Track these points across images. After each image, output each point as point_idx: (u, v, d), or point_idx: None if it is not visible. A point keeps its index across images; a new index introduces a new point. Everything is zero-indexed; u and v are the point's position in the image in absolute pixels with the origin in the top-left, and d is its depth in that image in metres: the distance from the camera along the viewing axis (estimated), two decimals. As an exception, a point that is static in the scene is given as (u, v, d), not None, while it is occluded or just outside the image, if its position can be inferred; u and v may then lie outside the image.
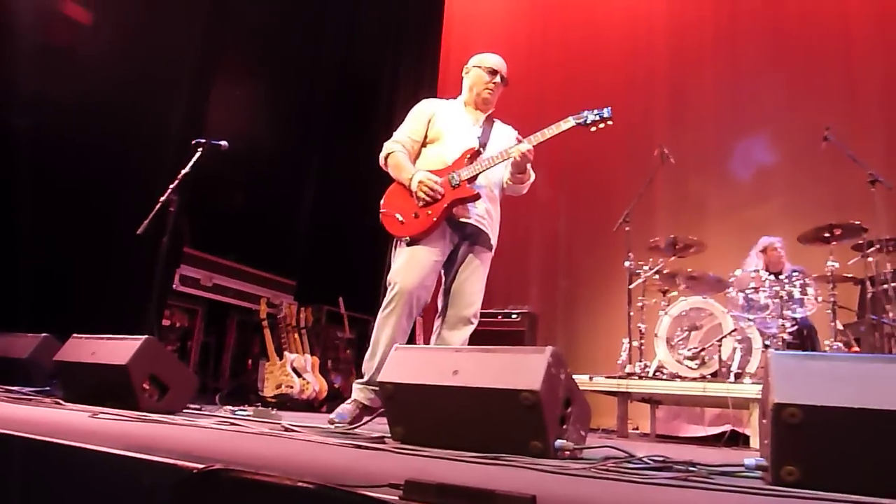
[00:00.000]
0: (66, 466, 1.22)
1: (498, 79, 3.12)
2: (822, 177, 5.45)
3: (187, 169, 3.72)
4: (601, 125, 2.93)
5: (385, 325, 2.82)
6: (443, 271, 3.02)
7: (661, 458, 1.70)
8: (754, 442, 3.78)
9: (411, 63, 7.45)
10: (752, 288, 4.41)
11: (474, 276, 2.97)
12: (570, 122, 2.90)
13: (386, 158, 3.06)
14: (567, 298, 6.51)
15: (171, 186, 3.65)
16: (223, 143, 3.87)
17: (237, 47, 6.10)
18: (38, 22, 4.85)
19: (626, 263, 4.79)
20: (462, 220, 2.94)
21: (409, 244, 2.90)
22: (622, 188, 5.92)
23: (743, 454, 1.75)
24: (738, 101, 6.14)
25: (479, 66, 3.15)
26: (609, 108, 2.90)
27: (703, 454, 2.63)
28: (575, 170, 6.60)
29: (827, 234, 4.48)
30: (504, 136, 3.13)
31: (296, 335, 5.56)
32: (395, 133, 3.13)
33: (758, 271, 4.49)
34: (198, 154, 3.77)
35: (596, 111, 2.91)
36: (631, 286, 4.76)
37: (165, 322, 5.35)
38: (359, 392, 2.84)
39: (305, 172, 6.99)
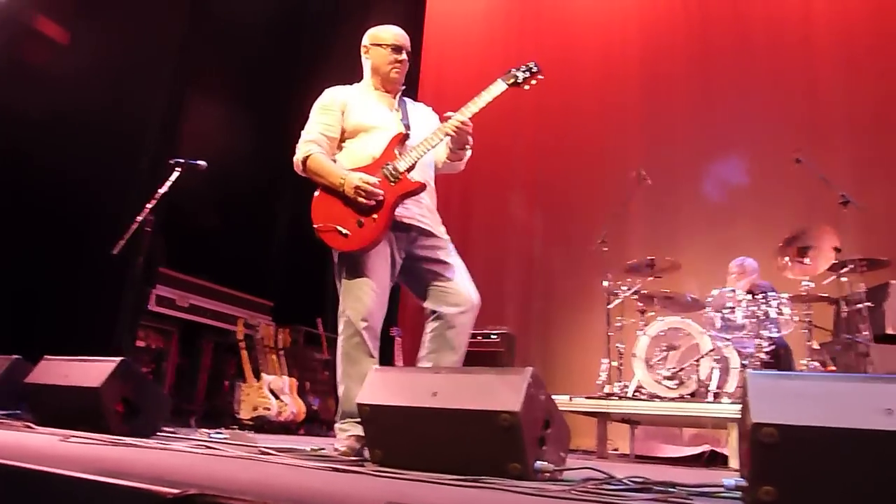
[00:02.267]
0: (36, 492, 1.19)
1: (403, 55, 2.83)
2: (793, 197, 5.54)
3: (165, 189, 3.68)
4: (533, 81, 2.67)
5: (351, 361, 2.56)
6: (408, 282, 2.73)
7: (641, 480, 1.70)
8: (733, 462, 3.78)
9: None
10: (729, 308, 4.45)
11: (449, 269, 2.68)
12: (500, 85, 2.63)
13: (304, 162, 2.69)
14: (544, 319, 6.52)
15: (149, 206, 3.61)
16: (201, 163, 3.83)
17: (214, 64, 6.07)
18: (14, 39, 4.82)
19: (605, 283, 4.82)
20: (404, 220, 2.64)
21: (353, 260, 2.59)
22: (598, 209, 5.94)
23: (722, 474, 1.75)
24: (710, 124, 6.23)
25: (380, 45, 2.85)
26: (534, 61, 2.67)
27: (682, 475, 2.63)
28: (551, 190, 6.66)
29: (800, 255, 4.55)
30: (423, 114, 2.85)
31: (273, 356, 5.50)
32: (304, 132, 2.77)
33: (734, 291, 4.54)
34: (175, 174, 3.74)
35: (523, 66, 2.66)
36: (610, 306, 4.79)
37: (140, 343, 5.26)
38: (349, 428, 2.55)
39: (281, 191, 6.95)
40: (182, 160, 3.77)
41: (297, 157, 2.72)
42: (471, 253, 6.63)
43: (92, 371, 2.57)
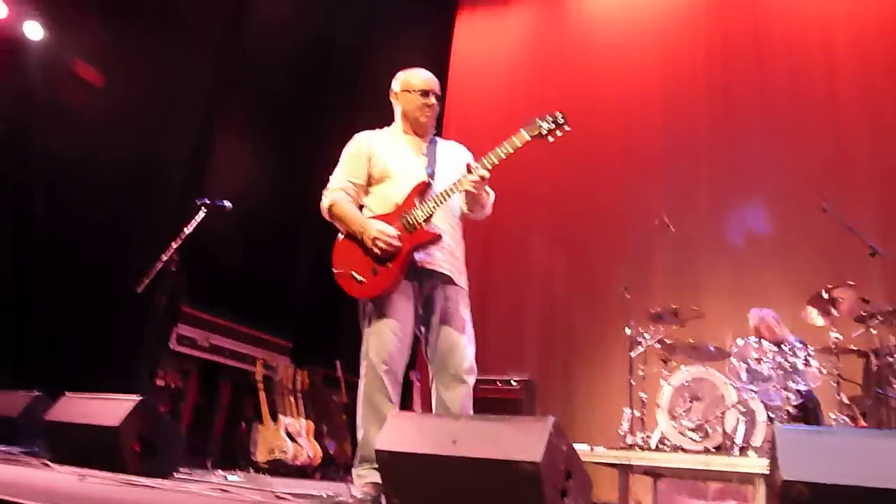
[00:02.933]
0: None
1: (433, 99, 2.88)
2: (819, 246, 5.48)
3: (191, 228, 3.72)
4: (558, 132, 2.64)
5: (371, 405, 2.58)
6: (421, 329, 2.75)
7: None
8: (760, 519, 3.68)
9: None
10: (755, 358, 4.38)
11: (456, 328, 2.69)
12: (523, 137, 2.63)
13: (329, 209, 2.79)
14: (565, 365, 6.42)
15: (174, 245, 3.65)
16: (227, 203, 3.86)
17: (242, 105, 6.18)
18: (51, 80, 4.97)
19: (627, 331, 4.77)
20: (426, 266, 2.69)
21: (374, 305, 2.64)
22: (621, 256, 5.94)
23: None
24: (734, 171, 6.19)
25: (409, 90, 2.91)
26: (561, 112, 2.64)
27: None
28: (573, 237, 6.63)
29: (828, 305, 4.47)
30: (452, 157, 2.88)
31: (291, 398, 5.48)
32: (332, 178, 2.85)
33: (760, 342, 4.46)
34: (201, 213, 3.78)
35: (548, 117, 2.64)
36: (632, 354, 4.73)
37: (159, 382, 5.27)
38: (366, 474, 2.54)
39: (305, 232, 6.94)
40: (208, 201, 3.81)
41: (324, 204, 2.80)
42: (492, 297, 6.69)
43: (111, 409, 2.58)
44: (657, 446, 4.33)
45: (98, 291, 4.68)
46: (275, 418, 5.31)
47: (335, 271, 2.68)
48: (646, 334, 4.80)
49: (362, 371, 2.62)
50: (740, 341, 4.55)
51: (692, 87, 6.68)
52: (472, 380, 2.69)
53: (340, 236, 2.75)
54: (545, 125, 2.64)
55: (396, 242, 2.62)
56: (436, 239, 2.68)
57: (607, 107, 6.86)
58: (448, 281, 2.73)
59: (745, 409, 4.28)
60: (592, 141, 6.65)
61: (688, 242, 5.95)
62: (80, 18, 5.03)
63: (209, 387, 5.79)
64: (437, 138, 2.96)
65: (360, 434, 2.60)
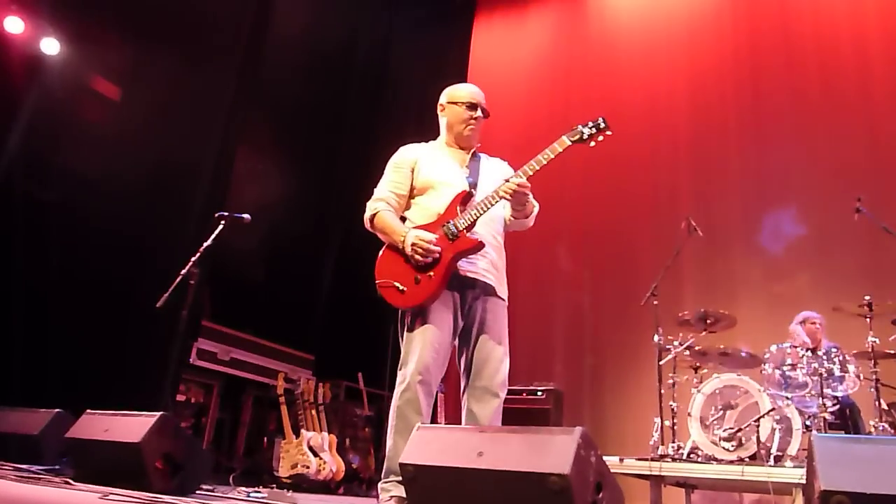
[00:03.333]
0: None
1: (479, 112, 2.96)
2: (854, 249, 5.41)
3: (209, 242, 3.76)
4: (600, 137, 2.70)
5: (401, 417, 2.59)
6: (458, 339, 2.80)
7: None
8: (798, 531, 3.61)
9: (433, 138, 7.62)
10: (789, 364, 4.31)
11: (494, 340, 2.75)
12: (565, 143, 2.70)
13: (371, 220, 2.86)
14: (594, 375, 6.39)
15: (193, 259, 3.68)
16: (245, 216, 3.90)
17: (263, 118, 6.26)
18: (69, 96, 5.04)
19: (656, 338, 4.72)
20: (468, 275, 2.74)
21: (414, 315, 2.68)
22: (648, 261, 5.89)
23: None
24: (764, 172, 6.15)
25: (455, 102, 2.99)
26: (603, 117, 2.70)
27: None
28: (599, 242, 6.61)
29: (865, 308, 4.39)
30: (495, 171, 2.96)
31: (313, 412, 5.48)
32: (376, 189, 2.93)
33: (795, 347, 4.40)
34: (220, 227, 3.82)
35: (590, 123, 2.71)
36: (661, 362, 4.67)
37: (180, 397, 5.32)
38: (391, 488, 2.56)
39: (326, 244, 7.07)
40: (226, 213, 3.85)
41: (366, 215, 2.87)
42: (518, 306, 6.52)
43: (133, 426, 2.60)
44: (689, 457, 4.27)
45: (119, 308, 4.74)
46: (297, 432, 5.32)
47: (378, 282, 2.73)
48: (675, 341, 4.75)
49: (398, 381, 2.64)
50: (774, 347, 4.47)
51: (720, 87, 6.63)
52: (503, 394, 2.72)
53: (383, 249, 2.81)
54: (587, 130, 2.70)
55: (435, 248, 2.66)
56: (478, 246, 2.72)
57: (632, 109, 6.83)
58: (490, 292, 2.78)
59: (780, 417, 4.22)
60: (618, 145, 6.45)
61: (717, 246, 5.90)
62: (98, 33, 5.12)
63: (231, 401, 5.83)
64: (481, 154, 3.02)
65: (388, 445, 2.62)
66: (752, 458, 4.08)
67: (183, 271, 3.64)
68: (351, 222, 7.27)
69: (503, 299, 2.83)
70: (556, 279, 6.72)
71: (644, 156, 6.64)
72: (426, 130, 8.68)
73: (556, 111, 7.12)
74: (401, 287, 2.67)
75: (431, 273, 2.66)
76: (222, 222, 3.83)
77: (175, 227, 5.05)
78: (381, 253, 2.81)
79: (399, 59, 7.77)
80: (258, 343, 5.93)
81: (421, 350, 2.62)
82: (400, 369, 2.66)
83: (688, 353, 4.74)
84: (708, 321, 4.75)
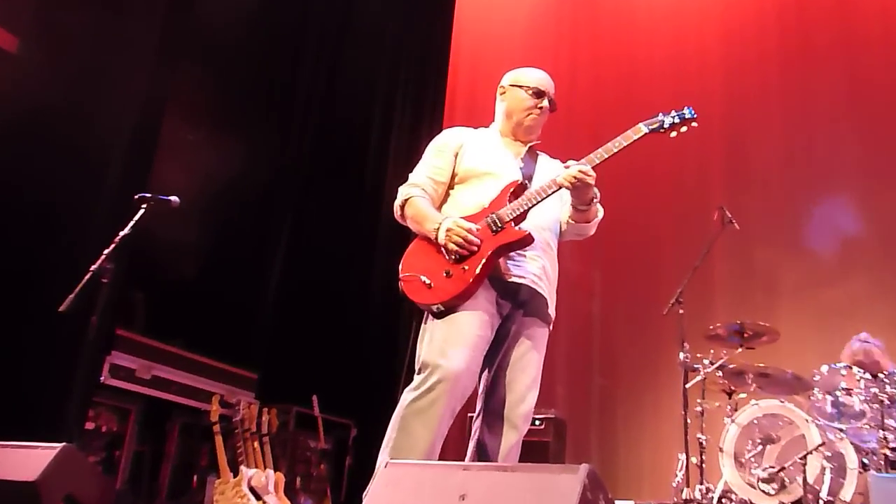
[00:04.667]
0: None
1: (545, 102, 3.07)
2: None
3: (127, 230, 3.71)
4: (683, 128, 2.89)
5: (405, 430, 2.61)
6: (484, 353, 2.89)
7: None
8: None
9: (408, 105, 7.65)
10: (844, 389, 4.37)
11: (527, 362, 2.85)
12: (641, 130, 2.85)
13: (402, 207, 2.97)
14: (604, 400, 6.44)
15: (106, 252, 3.63)
16: (173, 198, 3.86)
17: (196, 79, 6.19)
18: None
19: (681, 356, 4.74)
20: (512, 279, 2.82)
21: (439, 315, 2.76)
22: (672, 260, 5.98)
23: None
24: (814, 154, 6.23)
25: (520, 86, 3.10)
26: (690, 107, 2.89)
27: None
28: (611, 237, 6.47)
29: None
30: (553, 171, 3.01)
31: (255, 444, 5.45)
32: (411, 174, 3.06)
33: (850, 368, 4.45)
34: (141, 212, 3.77)
35: (674, 112, 2.88)
36: (687, 385, 4.70)
37: (89, 425, 5.25)
38: None
39: (273, 238, 7.02)
40: (149, 195, 3.81)
41: (397, 202, 2.99)
42: None
43: (28, 460, 2.56)
44: (720, 502, 4.32)
45: (12, 312, 4.67)
46: (235, 470, 5.28)
47: (401, 276, 2.84)
48: (704, 359, 4.80)
49: (412, 385, 2.69)
50: (825, 368, 4.54)
51: (761, 48, 6.69)
52: (525, 428, 2.82)
53: (414, 241, 2.93)
54: (668, 119, 2.87)
55: (474, 238, 2.73)
56: (526, 239, 2.78)
57: (653, 72, 6.89)
58: (537, 308, 2.87)
59: (831, 454, 4.27)
60: (634, 117, 6.63)
61: (756, 243, 5.97)
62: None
63: (152, 430, 5.76)
64: (541, 152, 3.15)
65: (380, 459, 2.61)
66: (798, 502, 4.11)
67: (93, 266, 3.59)
68: (306, 207, 7.39)
69: (548, 324, 2.94)
70: (559, 282, 6.68)
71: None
72: (396, 98, 8.59)
73: (560, 74, 7.05)
74: (427, 280, 2.76)
75: (466, 266, 2.73)
76: (143, 206, 3.79)
77: (84, 212, 4.97)
78: (410, 245, 2.92)
79: (363, 22, 7.72)
80: (187, 358, 5.86)
81: (453, 352, 2.65)
82: (419, 372, 2.70)
83: (720, 373, 4.78)
84: (745, 335, 4.80)
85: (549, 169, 3.05)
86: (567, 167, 2.79)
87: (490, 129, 3.16)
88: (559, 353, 6.55)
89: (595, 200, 2.93)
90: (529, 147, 3.10)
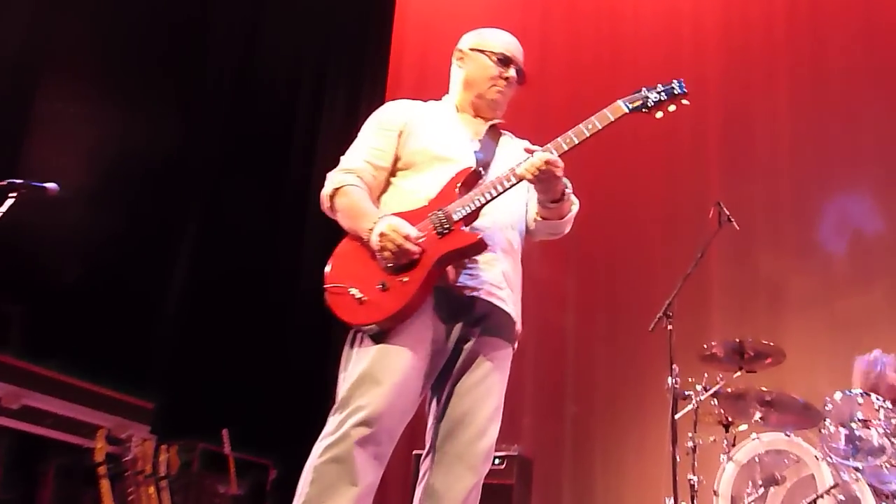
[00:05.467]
0: None
1: (512, 72, 3.03)
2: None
3: (-8, 224, 3.65)
4: (670, 107, 2.83)
5: (321, 486, 2.55)
6: (430, 381, 2.81)
7: None
8: None
9: (343, 73, 7.66)
10: (860, 421, 4.41)
11: (486, 389, 2.79)
12: (620, 110, 2.78)
13: (332, 198, 2.91)
14: (578, 434, 6.45)
15: (-37, 251, 3.57)
16: (50, 185, 3.81)
17: (80, 39, 6.13)
18: None
19: (670, 381, 4.74)
20: (465, 291, 2.77)
21: (374, 337, 2.70)
22: (660, 265, 6.07)
23: None
24: (825, 144, 6.29)
25: (482, 50, 3.06)
26: (680, 80, 2.83)
27: None
28: (590, 237, 6.52)
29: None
30: (517, 152, 2.94)
31: (151, 490, 5.40)
32: (344, 157, 3.00)
33: (868, 395, 4.51)
34: (9, 201, 3.71)
35: (660, 86, 2.82)
36: (677, 416, 4.70)
37: (-59, 467, 5.17)
38: None
39: (176, 235, 6.96)
40: (19, 181, 3.74)
41: (325, 192, 2.92)
42: None
43: None
44: (716, 555, 4.35)
45: None
46: (127, 521, 5.23)
47: (327, 287, 2.77)
48: (697, 385, 4.85)
49: (327, 429, 2.63)
50: (839, 395, 4.57)
51: (767, 9, 6.74)
52: (485, 470, 2.78)
53: (344, 241, 2.87)
54: (653, 96, 2.80)
55: (410, 245, 2.65)
56: (478, 245, 2.72)
57: (640, 49, 6.93)
58: (497, 325, 2.83)
59: (845, 497, 4.30)
60: (616, 92, 6.66)
61: (759, 246, 6.08)
62: None
63: (22, 472, 5.67)
64: (505, 131, 3.11)
65: None
66: (807, 556, 4.19)
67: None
68: (217, 199, 7.29)
69: (511, 343, 2.90)
70: (524, 290, 6.68)
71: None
72: (330, 65, 8.57)
73: (529, 36, 6.91)
74: (358, 294, 2.69)
75: (406, 278, 2.67)
76: (12, 195, 3.73)
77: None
78: (339, 246, 2.86)
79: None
80: (65, 383, 5.72)
81: (376, 387, 2.61)
82: (334, 412, 2.65)
83: (715, 401, 4.84)
84: (745, 356, 4.85)
85: (512, 153, 2.98)
86: (529, 154, 2.74)
87: (443, 103, 3.12)
88: (525, 375, 6.56)
89: (567, 193, 2.90)
90: (491, 125, 3.05)
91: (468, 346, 2.78)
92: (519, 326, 2.93)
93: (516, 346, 2.94)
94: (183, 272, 6.97)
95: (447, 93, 3.15)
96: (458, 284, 2.74)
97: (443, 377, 2.79)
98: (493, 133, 3.04)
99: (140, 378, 6.30)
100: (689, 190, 6.36)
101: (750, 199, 5.99)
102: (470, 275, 2.76)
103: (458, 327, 2.77)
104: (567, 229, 3.06)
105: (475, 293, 2.76)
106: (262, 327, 6.91)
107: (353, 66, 7.64)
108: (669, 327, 4.79)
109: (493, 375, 2.80)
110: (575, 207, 3.00)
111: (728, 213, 5.07)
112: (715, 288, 6.16)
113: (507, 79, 3.01)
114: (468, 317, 2.77)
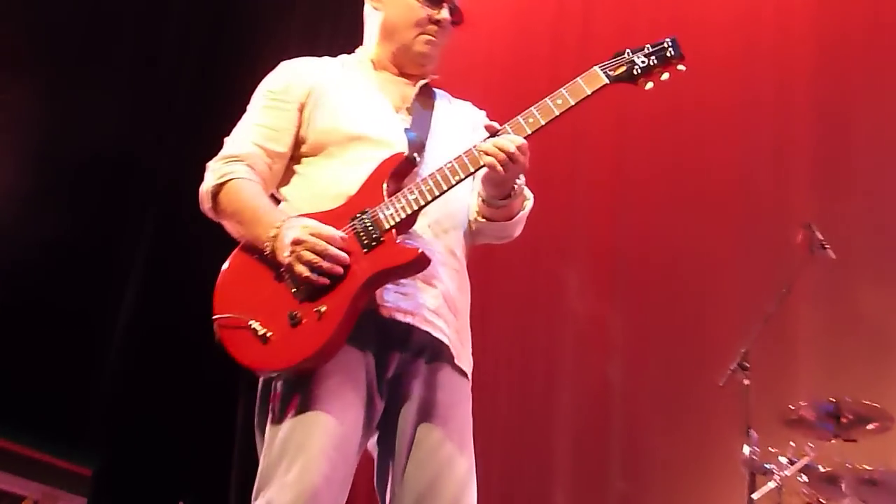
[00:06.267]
0: None
1: (444, 13, 2.92)
2: None
3: None
4: (664, 76, 2.68)
5: None
6: (375, 439, 2.76)
7: None
8: None
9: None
10: None
11: (452, 449, 2.67)
12: (597, 80, 2.65)
13: (215, 195, 2.79)
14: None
15: None
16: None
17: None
18: None
19: (746, 450, 4.73)
20: (397, 316, 2.66)
21: (291, 386, 2.59)
22: (733, 304, 5.94)
23: None
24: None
25: None
26: (672, 38, 2.66)
27: None
28: (643, 266, 6.58)
29: None
30: (460, 123, 2.97)
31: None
32: (228, 140, 2.90)
33: None
34: None
35: (647, 47, 2.66)
36: (755, 495, 4.69)
37: None
38: None
39: (124, 257, 6.94)
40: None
41: (206, 187, 2.80)
42: (486, 376, 6.47)
43: None
44: None
45: None
46: None
47: (217, 318, 2.64)
48: (781, 457, 4.81)
49: None
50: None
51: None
52: None
53: (234, 253, 2.77)
54: (639, 60, 2.66)
55: (337, 267, 2.54)
56: (418, 263, 2.61)
57: (713, 32, 6.80)
58: (439, 355, 2.72)
59: None
60: (684, 92, 6.48)
61: (860, 279, 5.90)
62: None
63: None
64: (440, 91, 3.06)
65: None
66: None
67: None
68: (177, 205, 7.19)
69: (464, 371, 2.81)
70: (561, 335, 6.67)
71: (730, 113, 6.64)
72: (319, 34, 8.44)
73: (572, 31, 7.08)
74: (261, 330, 2.55)
75: (323, 307, 2.52)
76: None
77: None
78: (228, 262, 2.76)
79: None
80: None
81: (302, 457, 2.49)
82: (257, 497, 2.56)
83: (804, 478, 4.80)
84: (842, 420, 4.85)
85: (454, 122, 2.98)
86: (488, 135, 2.60)
87: (357, 59, 3.05)
88: (558, 441, 6.51)
89: (518, 186, 2.78)
90: (422, 87, 2.97)
91: (414, 384, 2.68)
92: (469, 360, 2.84)
93: (469, 377, 2.83)
94: (131, 299, 6.96)
95: (361, 43, 3.04)
96: (386, 305, 2.63)
97: (387, 429, 2.70)
98: (426, 97, 2.97)
99: (76, 437, 6.36)
100: (770, 208, 6.22)
101: (848, 221, 5.83)
102: (402, 293, 2.66)
103: (395, 359, 2.67)
104: (517, 232, 2.95)
105: (410, 319, 2.66)
106: (227, 373, 6.86)
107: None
108: (746, 382, 4.84)
109: (455, 422, 2.72)
110: (528, 204, 2.90)
111: (821, 237, 5.04)
112: (803, 333, 5.97)
113: (438, 22, 2.91)
114: (405, 347, 2.68)
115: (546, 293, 6.73)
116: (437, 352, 2.71)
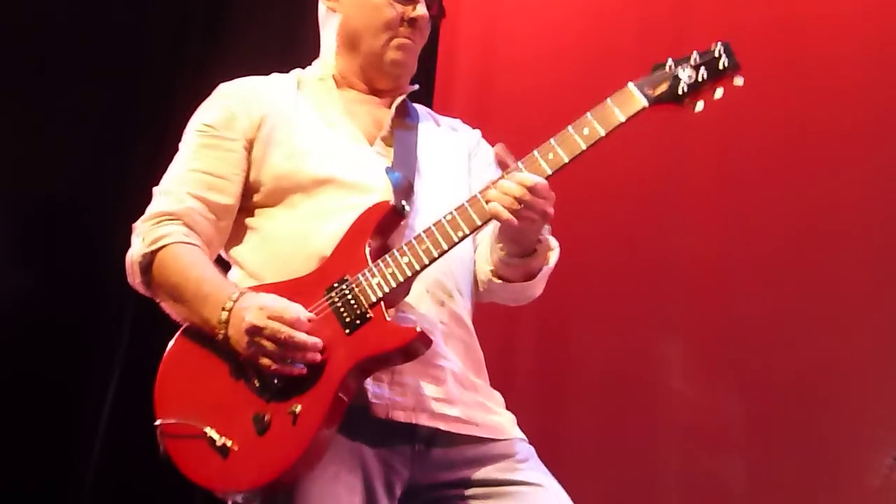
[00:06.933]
0: None
1: (420, 9, 2.87)
2: None
3: None
4: (717, 91, 2.54)
5: None
6: None
7: None
8: None
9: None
10: None
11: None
12: (635, 102, 2.53)
13: (146, 266, 2.67)
14: None
15: None
16: None
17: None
18: None
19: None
20: (392, 417, 2.59)
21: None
22: (871, 369, 5.62)
23: None
24: None
25: None
26: (724, 42, 2.58)
27: None
28: (764, 334, 6.22)
29: None
30: (453, 149, 3.00)
31: None
32: (157, 191, 2.77)
33: None
34: None
35: (694, 56, 2.56)
36: None
37: None
38: None
39: (114, 306, 6.98)
40: None
41: (133, 254, 2.71)
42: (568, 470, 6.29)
43: None
44: None
45: None
46: None
47: (160, 424, 2.57)
48: None
49: None
50: None
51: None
52: None
53: (175, 339, 2.74)
54: (685, 75, 2.55)
55: (309, 339, 2.43)
56: (417, 345, 2.49)
57: (825, 23, 6.53)
58: (462, 441, 2.67)
59: None
60: (786, 104, 6.34)
61: None
62: None
63: None
64: (422, 108, 3.10)
65: None
66: None
67: None
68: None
69: (519, 437, 2.79)
70: (611, 399, 6.48)
71: (865, 136, 6.29)
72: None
73: (606, 42, 6.86)
74: (219, 439, 2.48)
75: (297, 406, 2.43)
76: None
77: None
78: (170, 349, 2.71)
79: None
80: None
81: None
82: None
83: None
84: None
85: (445, 152, 2.98)
86: (502, 177, 2.49)
87: (314, 75, 2.99)
88: None
89: (543, 241, 2.73)
90: (399, 106, 2.90)
91: (456, 475, 2.70)
92: (511, 427, 2.81)
93: (515, 430, 2.80)
94: (120, 370, 7.06)
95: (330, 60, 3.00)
96: (380, 403, 2.57)
97: None
98: (405, 118, 2.95)
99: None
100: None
101: None
102: (398, 384, 2.62)
103: (400, 469, 2.65)
104: (538, 292, 2.94)
105: (412, 418, 2.62)
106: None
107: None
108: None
109: (532, 476, 2.75)
110: (553, 256, 2.84)
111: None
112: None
113: (412, 21, 2.88)
114: (412, 451, 2.66)
115: (640, 370, 6.52)
116: (459, 441, 2.70)
